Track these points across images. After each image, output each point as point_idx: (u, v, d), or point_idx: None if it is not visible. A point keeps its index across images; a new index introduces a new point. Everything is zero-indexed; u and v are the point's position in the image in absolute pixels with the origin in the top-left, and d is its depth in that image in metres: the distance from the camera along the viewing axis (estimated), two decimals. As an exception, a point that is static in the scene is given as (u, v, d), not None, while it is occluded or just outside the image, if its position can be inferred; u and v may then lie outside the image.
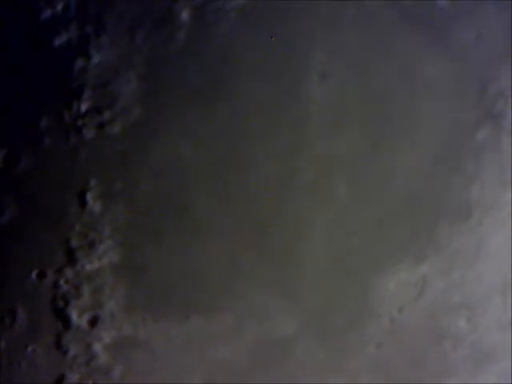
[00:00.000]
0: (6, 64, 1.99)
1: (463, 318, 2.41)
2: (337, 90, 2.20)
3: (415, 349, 2.40)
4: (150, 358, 2.23)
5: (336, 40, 2.18)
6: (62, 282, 2.14)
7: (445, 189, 2.30)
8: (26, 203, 2.07)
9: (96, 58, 2.03)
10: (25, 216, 2.08)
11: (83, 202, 2.10)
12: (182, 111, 2.12)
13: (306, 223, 2.24)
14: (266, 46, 2.13)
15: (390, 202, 2.28)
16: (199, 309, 2.22)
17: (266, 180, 2.20)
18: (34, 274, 2.13)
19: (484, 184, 2.32)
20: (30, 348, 2.18)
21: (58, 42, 2.00)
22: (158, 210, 2.16)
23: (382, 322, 2.35)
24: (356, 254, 2.28)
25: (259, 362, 2.30)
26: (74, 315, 2.16)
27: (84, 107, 2.05)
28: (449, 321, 2.40)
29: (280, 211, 2.22)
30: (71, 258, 2.13)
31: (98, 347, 2.20)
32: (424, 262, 2.33)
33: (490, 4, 2.25)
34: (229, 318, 2.24)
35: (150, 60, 2.06)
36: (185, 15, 2.06)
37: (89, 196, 2.10)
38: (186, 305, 2.21)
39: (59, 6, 1.98)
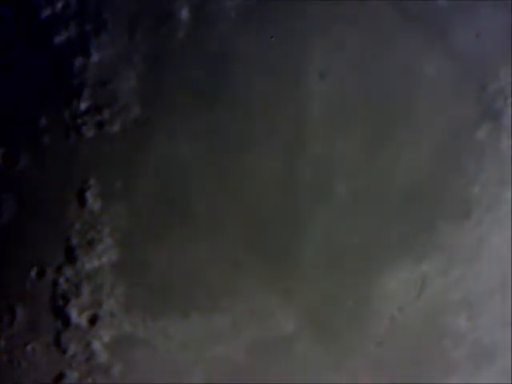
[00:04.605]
0: (5, 62, 2.00)
1: (463, 316, 2.40)
2: (336, 89, 2.20)
3: (415, 347, 2.40)
4: (150, 356, 2.23)
5: (336, 39, 2.18)
6: (61, 280, 2.14)
7: (445, 188, 2.30)
8: (25, 202, 2.08)
9: (96, 57, 2.03)
10: (24, 214, 2.08)
11: (83, 201, 2.10)
12: (181, 110, 2.12)
13: (305, 222, 2.24)
14: (266, 45, 2.14)
15: (390, 201, 2.28)
16: (198, 307, 2.22)
17: (265, 179, 2.20)
18: (33, 273, 2.13)
19: (484, 183, 2.32)
20: (29, 346, 2.18)
21: (58, 40, 2.01)
22: (158, 209, 2.16)
23: (383, 320, 2.35)
24: (356, 253, 2.28)
25: (259, 361, 2.30)
26: (73, 314, 2.16)
27: (83, 106, 2.05)
28: (449, 319, 2.39)
29: (280, 210, 2.22)
30: (71, 256, 2.13)
31: (97, 346, 2.20)
32: (424, 260, 2.33)
33: (490, 3, 2.25)
34: (228, 317, 2.24)
35: (150, 59, 2.06)
36: (184, 14, 2.06)
37: (88, 195, 2.10)
38: (186, 303, 2.21)
39: (59, 5, 1.99)
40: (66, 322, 2.17)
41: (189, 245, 2.19)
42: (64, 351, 2.19)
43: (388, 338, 2.37)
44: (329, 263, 2.28)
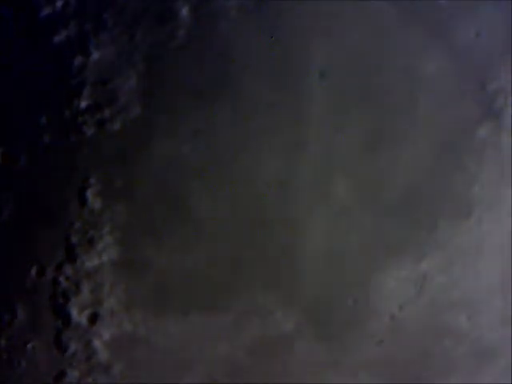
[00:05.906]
0: (5, 62, 2.00)
1: (464, 315, 2.40)
2: (337, 89, 2.20)
3: (416, 346, 2.39)
4: (150, 355, 2.23)
5: (336, 39, 2.18)
6: (61, 278, 2.14)
7: (445, 186, 2.30)
8: (25, 200, 2.08)
9: (95, 56, 2.03)
10: (25, 213, 2.09)
11: (83, 200, 2.10)
12: (181, 109, 2.12)
13: (305, 221, 2.24)
14: (266, 45, 2.14)
15: (391, 199, 2.28)
16: (199, 306, 2.22)
17: (265, 179, 2.20)
18: (33, 271, 2.13)
19: (484, 181, 2.31)
20: (29, 345, 2.17)
21: (58, 39, 2.01)
22: (158, 209, 2.16)
23: (383, 319, 2.35)
24: (356, 251, 2.28)
25: (259, 360, 2.29)
26: (73, 312, 2.16)
27: (84, 104, 2.05)
28: (449, 318, 2.39)
29: (280, 210, 2.22)
30: (71, 255, 2.13)
31: (97, 344, 2.19)
32: (424, 259, 2.33)
33: (490, 3, 2.26)
34: (228, 316, 2.24)
35: (150, 58, 2.06)
36: (185, 13, 2.06)
37: (89, 193, 2.10)
38: (186, 302, 2.21)
39: (59, 4, 1.99)
40: (67, 320, 2.17)
41: (189, 243, 2.19)
42: (64, 350, 2.19)
43: (388, 337, 2.36)
44: (329, 262, 2.28)
